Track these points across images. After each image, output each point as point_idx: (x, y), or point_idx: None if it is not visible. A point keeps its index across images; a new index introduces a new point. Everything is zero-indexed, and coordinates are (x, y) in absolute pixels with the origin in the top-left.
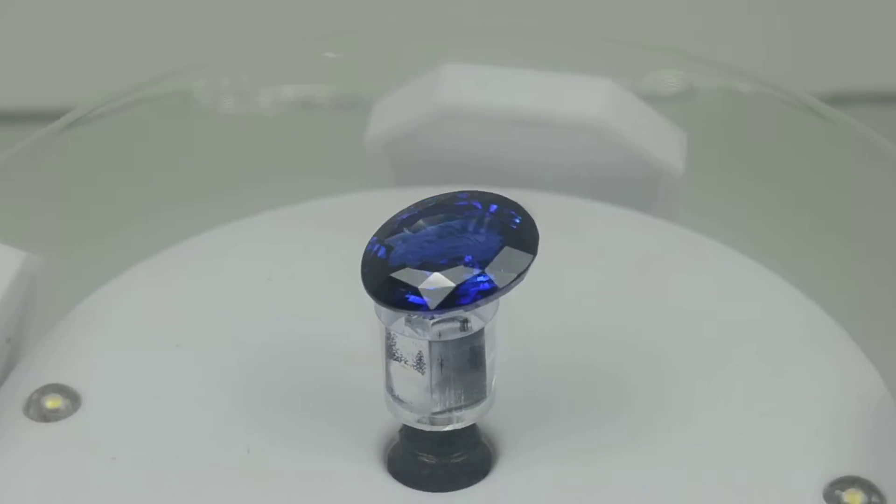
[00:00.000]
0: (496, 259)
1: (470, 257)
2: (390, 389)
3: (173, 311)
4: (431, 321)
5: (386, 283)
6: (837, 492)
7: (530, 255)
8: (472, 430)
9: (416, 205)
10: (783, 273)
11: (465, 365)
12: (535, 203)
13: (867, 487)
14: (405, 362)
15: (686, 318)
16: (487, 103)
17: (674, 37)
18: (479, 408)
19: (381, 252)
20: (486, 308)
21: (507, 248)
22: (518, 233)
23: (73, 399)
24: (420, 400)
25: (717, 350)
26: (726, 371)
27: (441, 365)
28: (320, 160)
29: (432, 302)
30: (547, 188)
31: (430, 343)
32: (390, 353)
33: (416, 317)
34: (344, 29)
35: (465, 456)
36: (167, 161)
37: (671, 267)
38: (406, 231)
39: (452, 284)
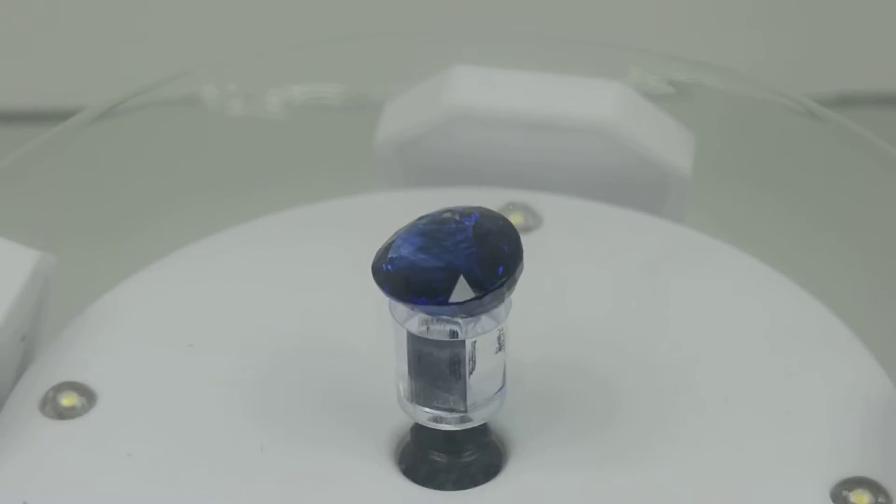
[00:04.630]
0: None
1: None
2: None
3: (186, 311)
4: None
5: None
6: (844, 492)
7: (472, 295)
8: (482, 429)
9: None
10: (790, 275)
11: (441, 369)
12: (544, 205)
13: (874, 488)
14: (399, 345)
15: (695, 319)
16: (497, 106)
17: (679, 40)
18: (481, 412)
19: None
20: (473, 325)
21: (461, 279)
22: (477, 268)
23: (88, 397)
24: (403, 384)
25: (725, 351)
26: (735, 372)
27: (418, 359)
28: (330, 161)
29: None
30: (556, 190)
31: (409, 334)
32: (397, 339)
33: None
34: (354, 31)
35: (476, 455)
36: (179, 162)
37: (680, 269)
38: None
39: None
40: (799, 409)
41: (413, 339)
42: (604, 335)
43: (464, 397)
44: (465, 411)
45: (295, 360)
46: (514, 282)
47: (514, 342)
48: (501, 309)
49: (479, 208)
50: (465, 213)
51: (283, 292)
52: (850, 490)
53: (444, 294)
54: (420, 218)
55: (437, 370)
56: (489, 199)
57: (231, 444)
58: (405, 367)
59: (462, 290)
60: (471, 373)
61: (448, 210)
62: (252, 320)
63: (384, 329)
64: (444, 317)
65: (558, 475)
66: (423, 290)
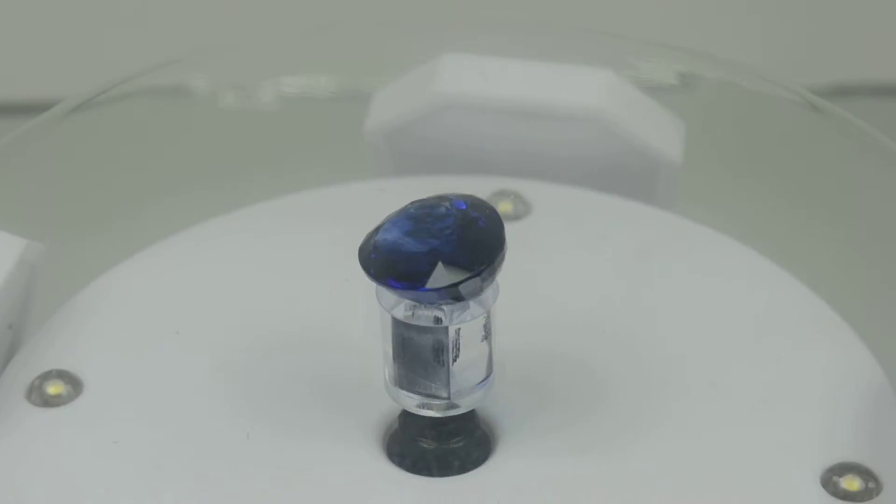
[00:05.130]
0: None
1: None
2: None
3: (173, 299)
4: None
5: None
6: (835, 478)
7: (450, 281)
8: (470, 416)
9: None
10: (781, 262)
11: (424, 355)
12: (534, 193)
13: (864, 473)
14: (386, 330)
15: (685, 306)
16: (486, 93)
17: (673, 29)
18: (471, 398)
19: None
20: (457, 312)
21: (439, 265)
22: (458, 255)
23: (74, 385)
24: (389, 369)
25: (716, 338)
26: (725, 358)
27: (402, 344)
28: (320, 151)
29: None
30: (546, 178)
31: (393, 319)
32: (383, 324)
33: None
34: (343, 20)
35: (464, 442)
36: (167, 151)
37: (670, 256)
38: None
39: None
40: (789, 395)
41: (397, 325)
42: (593, 323)
43: (447, 384)
44: (449, 398)
45: (282, 347)
46: (493, 271)
47: (503, 330)
48: (487, 297)
49: (469, 197)
50: (454, 200)
51: (271, 280)
52: (840, 476)
53: (422, 279)
54: (412, 203)
55: (420, 356)
56: (479, 186)
57: (218, 432)
58: (391, 353)
59: (440, 276)
60: (454, 360)
61: (440, 196)
62: (240, 308)
63: (372, 316)
64: (426, 303)
65: (547, 462)
66: (402, 273)
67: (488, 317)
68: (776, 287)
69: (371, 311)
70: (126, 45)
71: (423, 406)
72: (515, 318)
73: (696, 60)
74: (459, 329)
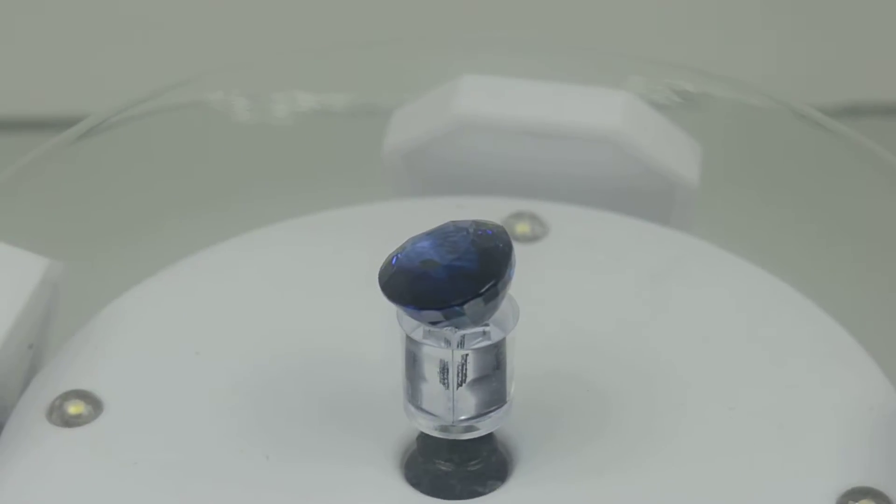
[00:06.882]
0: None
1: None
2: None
3: (193, 319)
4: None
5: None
6: (850, 502)
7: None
8: (488, 438)
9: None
10: (796, 285)
11: (432, 377)
12: (551, 214)
13: (880, 498)
14: (402, 351)
15: (701, 329)
16: (505, 115)
17: (686, 50)
18: (491, 419)
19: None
20: (465, 337)
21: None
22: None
23: (94, 405)
24: (406, 389)
25: (730, 361)
26: (740, 382)
27: (413, 364)
28: (338, 169)
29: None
30: (563, 199)
31: (406, 337)
32: (402, 344)
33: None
34: (362, 38)
35: (482, 464)
36: (186, 170)
37: (686, 278)
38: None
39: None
40: (804, 419)
41: (410, 344)
42: (610, 345)
43: (452, 408)
44: (453, 423)
45: (302, 368)
46: (481, 304)
47: (520, 352)
48: (506, 323)
49: (495, 226)
50: (477, 228)
51: (290, 300)
52: (855, 500)
53: (419, 299)
54: (447, 223)
55: (427, 378)
56: (496, 208)
57: (237, 453)
58: (406, 373)
59: (429, 298)
60: (460, 384)
61: (474, 222)
62: (259, 328)
63: (392, 337)
64: (421, 321)
65: (564, 484)
66: (401, 292)
67: (502, 345)
68: (790, 310)
69: (391, 332)
70: (145, 64)
71: (438, 429)
72: (532, 340)
73: (706, 80)
74: (467, 355)
